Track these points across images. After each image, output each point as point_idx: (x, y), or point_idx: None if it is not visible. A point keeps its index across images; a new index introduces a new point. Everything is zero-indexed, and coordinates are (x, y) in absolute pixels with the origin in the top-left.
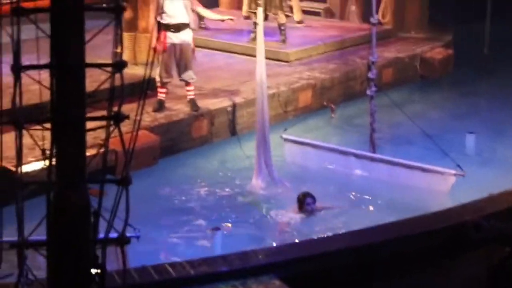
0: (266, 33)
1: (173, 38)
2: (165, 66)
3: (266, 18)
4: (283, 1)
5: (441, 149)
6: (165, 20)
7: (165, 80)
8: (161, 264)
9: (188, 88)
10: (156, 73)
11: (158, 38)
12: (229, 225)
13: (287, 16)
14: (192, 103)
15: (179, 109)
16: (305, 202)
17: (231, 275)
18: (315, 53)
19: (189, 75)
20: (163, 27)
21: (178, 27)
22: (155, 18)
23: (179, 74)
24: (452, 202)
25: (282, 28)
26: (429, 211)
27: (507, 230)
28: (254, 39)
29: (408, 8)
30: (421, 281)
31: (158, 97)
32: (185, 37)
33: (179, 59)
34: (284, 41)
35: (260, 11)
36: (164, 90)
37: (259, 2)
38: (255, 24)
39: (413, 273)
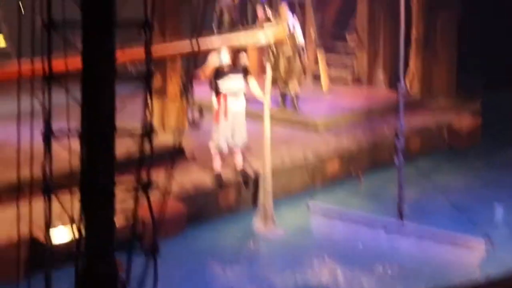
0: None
1: (233, 105)
2: (224, 133)
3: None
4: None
5: (470, 220)
6: (225, 86)
7: (223, 148)
8: None
9: (238, 155)
10: (213, 141)
11: (218, 107)
12: None
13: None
14: (243, 170)
15: (206, 177)
16: None
17: None
18: (342, 121)
19: (243, 141)
20: (223, 95)
21: (238, 95)
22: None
23: (233, 141)
24: (482, 275)
25: (296, 96)
26: (458, 284)
27: None
28: (282, 106)
29: (435, 76)
30: None
31: (215, 168)
32: (243, 104)
33: (236, 126)
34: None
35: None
36: (220, 159)
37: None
38: (282, 94)
39: None
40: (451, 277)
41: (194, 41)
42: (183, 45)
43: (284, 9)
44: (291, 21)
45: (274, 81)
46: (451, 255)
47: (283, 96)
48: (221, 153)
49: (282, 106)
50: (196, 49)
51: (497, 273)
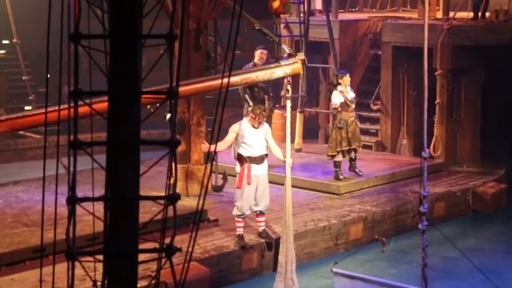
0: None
1: (257, 170)
2: (248, 198)
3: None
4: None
5: (496, 286)
6: (249, 152)
7: (247, 212)
8: None
9: (260, 219)
10: (236, 206)
11: (241, 171)
12: None
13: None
14: (265, 233)
15: (229, 241)
16: None
17: None
18: (366, 186)
19: (266, 205)
20: (246, 160)
21: (261, 159)
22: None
23: (256, 205)
24: None
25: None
26: None
27: None
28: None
29: (459, 142)
30: None
31: (238, 232)
32: (265, 168)
33: (258, 190)
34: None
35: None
36: (243, 223)
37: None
38: (336, 162)
39: None
40: None
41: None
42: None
43: (347, 77)
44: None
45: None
46: None
47: (340, 163)
48: (244, 217)
49: (339, 174)
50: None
51: None
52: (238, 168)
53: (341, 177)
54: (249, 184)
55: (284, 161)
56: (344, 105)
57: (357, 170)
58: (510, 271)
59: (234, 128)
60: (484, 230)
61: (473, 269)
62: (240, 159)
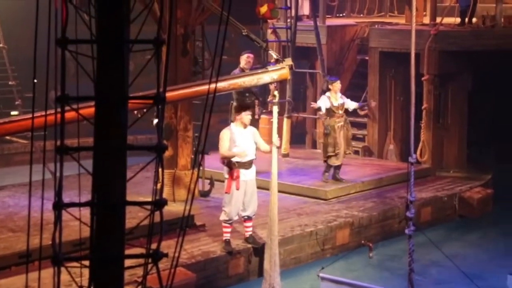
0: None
1: (245, 175)
2: (236, 203)
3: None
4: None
5: None
6: (238, 157)
7: (234, 218)
8: None
9: (247, 224)
10: (224, 211)
11: (230, 177)
12: None
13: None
14: (252, 239)
15: (216, 247)
16: None
17: None
18: (353, 191)
19: (253, 210)
20: (235, 165)
21: (250, 164)
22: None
23: (244, 210)
24: None
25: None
26: None
27: None
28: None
29: (446, 147)
30: None
31: (225, 238)
32: (254, 173)
33: (246, 195)
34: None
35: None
36: (230, 229)
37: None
38: (328, 165)
39: None
40: None
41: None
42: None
43: (338, 83)
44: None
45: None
46: None
47: (329, 168)
48: (231, 223)
49: (326, 177)
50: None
51: None
52: (226, 174)
53: (323, 178)
54: (238, 189)
55: (277, 147)
56: (330, 111)
57: (338, 177)
58: (495, 275)
59: (225, 134)
60: (470, 235)
61: (459, 274)
62: (229, 164)
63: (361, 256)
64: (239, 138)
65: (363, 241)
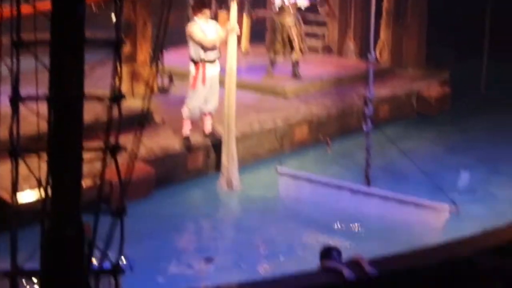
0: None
1: (211, 71)
2: (200, 99)
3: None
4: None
5: (436, 185)
6: (205, 52)
7: (197, 114)
8: None
9: (207, 119)
10: (187, 106)
11: (196, 72)
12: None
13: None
14: (211, 134)
15: (174, 142)
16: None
17: None
18: (312, 88)
19: (215, 106)
20: (203, 60)
21: (215, 60)
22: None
23: (205, 104)
24: (446, 238)
25: (297, 63)
26: (422, 246)
27: (500, 266)
28: (271, 74)
29: (405, 46)
30: None
31: (185, 133)
32: (217, 69)
33: (209, 91)
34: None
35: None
36: (190, 125)
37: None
38: (271, 62)
39: None
40: (415, 240)
41: None
42: None
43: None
44: None
45: (274, 50)
46: (416, 219)
47: (273, 63)
48: (192, 118)
49: (271, 73)
50: None
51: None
52: (192, 69)
53: (268, 73)
54: (204, 85)
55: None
56: (282, 8)
57: (298, 73)
58: (450, 171)
59: (195, 27)
60: (427, 132)
61: (415, 170)
62: (195, 59)
63: (319, 152)
64: (207, 30)
65: (321, 138)
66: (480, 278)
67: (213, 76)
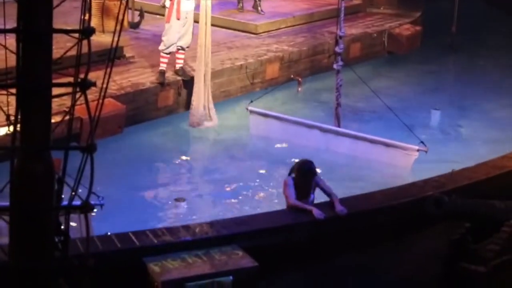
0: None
1: (186, 6)
2: (175, 33)
3: None
4: None
5: (405, 125)
6: None
7: (172, 48)
8: (125, 233)
9: (179, 55)
10: (163, 41)
11: (171, 6)
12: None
13: None
14: (182, 71)
15: (145, 78)
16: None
17: (194, 245)
18: (283, 26)
19: (187, 42)
20: None
21: None
22: None
23: (179, 39)
24: (414, 177)
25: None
26: (392, 185)
27: (467, 206)
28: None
29: None
30: (383, 255)
31: (161, 68)
32: (193, 4)
33: (184, 26)
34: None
35: None
36: (167, 60)
37: None
38: None
39: (374, 246)
40: (384, 180)
41: None
42: None
43: None
44: None
45: None
46: (385, 159)
47: None
48: (169, 53)
49: (241, 8)
50: None
51: (429, 176)
52: (167, 3)
53: (238, 7)
54: (178, 19)
55: None
56: None
57: (260, 9)
58: (419, 109)
59: None
60: (398, 71)
61: (385, 109)
62: None
63: (290, 90)
64: None
65: (292, 76)
66: (448, 217)
67: (188, 11)
